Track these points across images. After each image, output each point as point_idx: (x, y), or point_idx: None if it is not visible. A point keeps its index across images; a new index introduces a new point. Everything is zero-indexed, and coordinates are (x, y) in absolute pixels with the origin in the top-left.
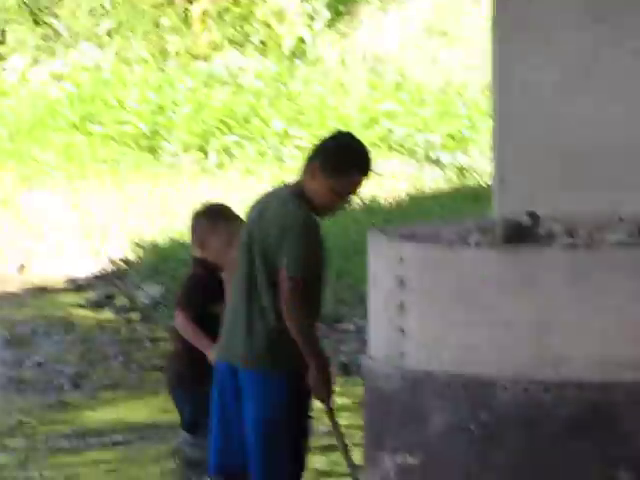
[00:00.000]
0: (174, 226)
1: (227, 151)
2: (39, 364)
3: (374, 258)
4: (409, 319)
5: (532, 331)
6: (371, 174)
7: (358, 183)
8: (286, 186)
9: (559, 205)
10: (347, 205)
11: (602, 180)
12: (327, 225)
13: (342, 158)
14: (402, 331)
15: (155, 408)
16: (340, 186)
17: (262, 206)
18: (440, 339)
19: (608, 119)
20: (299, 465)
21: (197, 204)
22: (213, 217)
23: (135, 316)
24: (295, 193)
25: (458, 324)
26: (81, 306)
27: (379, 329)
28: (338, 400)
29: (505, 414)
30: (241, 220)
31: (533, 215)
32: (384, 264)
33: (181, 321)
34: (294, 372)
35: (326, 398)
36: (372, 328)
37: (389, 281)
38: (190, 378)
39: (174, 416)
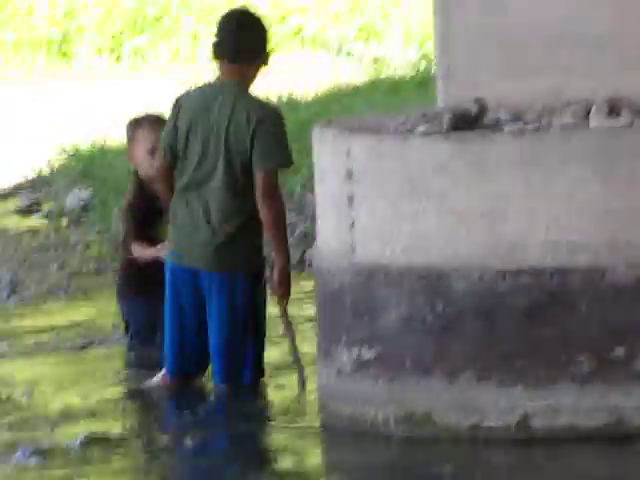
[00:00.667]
0: (95, 131)
1: (140, 52)
2: None
3: (321, 152)
4: (359, 212)
5: (484, 219)
6: None
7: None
8: (223, 82)
9: (504, 93)
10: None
11: (544, 65)
12: None
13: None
14: (352, 224)
15: (96, 312)
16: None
17: (207, 100)
18: (391, 231)
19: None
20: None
21: (113, 108)
22: (133, 127)
23: (64, 221)
24: (244, 88)
25: (409, 215)
26: (8, 213)
27: (327, 224)
28: None
29: (461, 303)
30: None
31: (480, 102)
32: (331, 158)
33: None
34: (256, 272)
35: (286, 295)
36: (320, 223)
37: (337, 175)
38: (136, 286)
39: (115, 320)
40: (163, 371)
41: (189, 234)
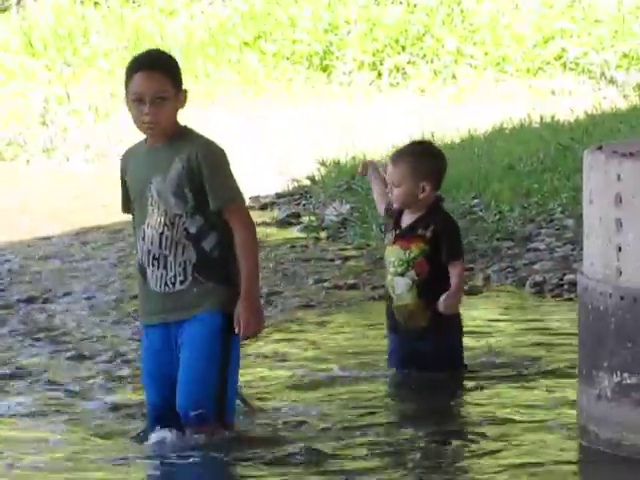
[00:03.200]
0: (354, 145)
1: (400, 70)
2: None
3: (590, 176)
4: (627, 236)
5: None
6: (143, 73)
7: (136, 83)
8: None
9: None
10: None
11: None
12: (512, 144)
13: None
14: (619, 248)
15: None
16: (128, 96)
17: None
18: None
19: None
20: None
21: (372, 123)
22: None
23: (323, 234)
24: None
25: None
26: (267, 224)
27: (594, 246)
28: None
29: None
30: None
31: None
32: (602, 181)
33: (459, 272)
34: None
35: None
36: (587, 245)
37: (606, 198)
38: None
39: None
40: None
41: None
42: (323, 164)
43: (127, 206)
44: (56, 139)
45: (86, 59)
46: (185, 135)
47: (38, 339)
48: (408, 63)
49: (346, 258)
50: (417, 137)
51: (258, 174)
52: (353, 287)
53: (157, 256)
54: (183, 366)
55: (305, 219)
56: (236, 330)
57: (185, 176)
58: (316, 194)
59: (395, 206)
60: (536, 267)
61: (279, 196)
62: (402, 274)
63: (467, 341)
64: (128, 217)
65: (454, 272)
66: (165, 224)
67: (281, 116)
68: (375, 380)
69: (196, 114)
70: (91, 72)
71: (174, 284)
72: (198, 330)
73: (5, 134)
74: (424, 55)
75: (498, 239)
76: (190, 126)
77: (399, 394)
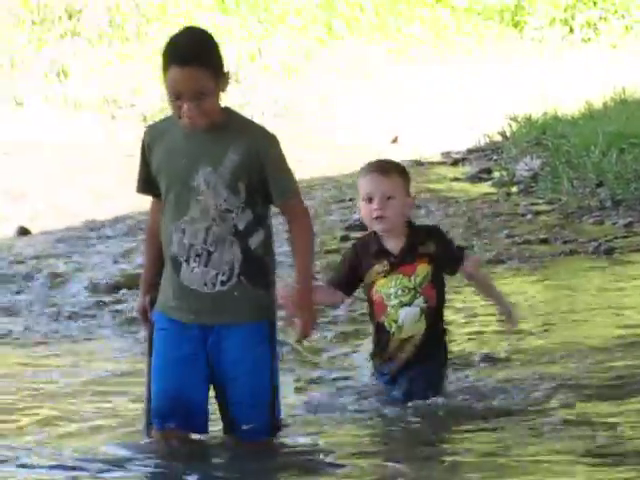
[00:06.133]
0: (546, 100)
1: (592, 25)
2: None
3: None
4: None
5: None
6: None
7: (171, 78)
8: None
9: None
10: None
11: None
12: None
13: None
14: None
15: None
16: (166, 86)
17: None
18: None
19: None
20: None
21: (564, 78)
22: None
23: (514, 189)
24: None
25: None
26: (459, 179)
27: None
28: None
29: None
30: None
31: None
32: None
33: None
34: (272, 320)
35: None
36: None
37: None
38: None
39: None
40: None
41: None
42: (514, 119)
43: (144, 187)
44: (248, 95)
45: (278, 16)
46: (233, 121)
47: None
48: (600, 19)
49: (537, 213)
50: (609, 92)
51: (449, 129)
52: (544, 242)
53: (200, 252)
54: (233, 383)
55: (496, 174)
56: (293, 334)
57: (241, 169)
58: (507, 149)
59: (380, 227)
60: None
61: (470, 151)
62: (409, 304)
63: None
64: None
65: (472, 265)
66: (213, 218)
67: (472, 72)
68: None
69: (387, 70)
70: (282, 29)
71: (215, 284)
72: (245, 344)
73: None
74: (615, 11)
75: None
76: (232, 108)
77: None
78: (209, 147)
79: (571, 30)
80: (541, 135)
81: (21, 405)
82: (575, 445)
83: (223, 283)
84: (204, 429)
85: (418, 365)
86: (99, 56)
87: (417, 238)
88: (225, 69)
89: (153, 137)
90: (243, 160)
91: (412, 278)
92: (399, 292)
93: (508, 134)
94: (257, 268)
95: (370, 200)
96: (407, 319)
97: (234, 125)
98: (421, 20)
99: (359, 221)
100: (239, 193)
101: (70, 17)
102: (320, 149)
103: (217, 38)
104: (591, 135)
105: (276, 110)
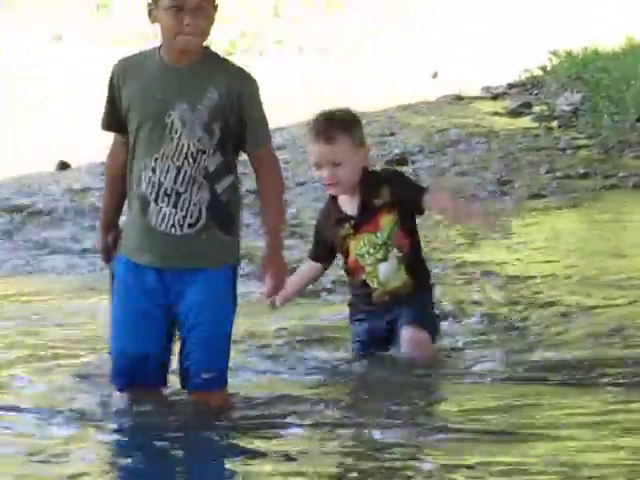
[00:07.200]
0: (586, 35)
1: None
2: (462, 172)
3: None
4: None
5: None
6: None
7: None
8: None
9: None
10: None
11: None
12: None
13: None
14: None
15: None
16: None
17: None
18: None
19: None
20: None
21: (604, 14)
22: None
23: (554, 124)
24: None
25: None
26: (499, 114)
27: None
28: None
29: None
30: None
31: None
32: None
33: (444, 194)
34: (234, 267)
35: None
36: None
37: None
38: None
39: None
40: None
41: None
42: (555, 54)
43: (110, 123)
44: (288, 30)
45: None
46: (212, 59)
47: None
48: None
49: (578, 147)
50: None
51: (490, 64)
52: (585, 176)
53: (169, 192)
54: (195, 329)
55: (537, 109)
56: (261, 290)
57: (219, 109)
58: (548, 84)
59: (334, 192)
60: None
61: (511, 86)
62: (384, 259)
63: None
64: None
65: (440, 198)
66: (186, 158)
67: (511, 6)
68: None
69: (426, 6)
70: None
71: (182, 226)
72: (208, 289)
73: (238, 26)
74: None
75: None
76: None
77: None
78: (187, 83)
79: None
80: (581, 70)
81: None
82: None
83: (191, 226)
84: (164, 382)
85: (405, 303)
86: None
87: (369, 192)
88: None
89: (126, 71)
90: (222, 100)
91: (378, 234)
92: (371, 250)
93: (549, 68)
94: (224, 214)
95: (319, 167)
96: (387, 274)
97: (215, 63)
98: None
99: (398, 155)
100: (213, 134)
101: None
102: (360, 84)
103: None
104: (631, 69)
105: (317, 45)
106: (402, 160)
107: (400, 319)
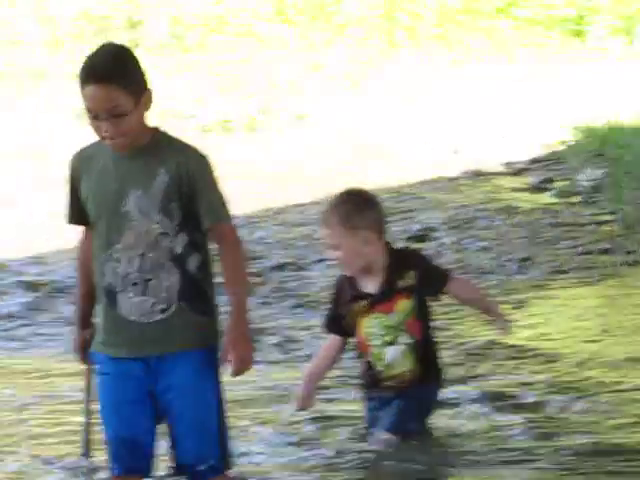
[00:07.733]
0: (608, 111)
1: None
2: (484, 248)
3: None
4: None
5: None
6: (98, 86)
7: (88, 96)
8: None
9: None
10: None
11: None
12: None
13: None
14: None
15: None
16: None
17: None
18: None
19: None
20: None
21: (626, 89)
22: None
23: (575, 199)
24: None
25: None
26: (520, 190)
27: None
28: None
29: None
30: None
31: None
32: None
33: (467, 282)
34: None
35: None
36: None
37: None
38: None
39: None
40: None
41: None
42: (576, 129)
43: (75, 216)
44: (307, 106)
45: (339, 26)
46: (161, 140)
47: (298, 305)
48: None
49: (599, 223)
50: None
51: (510, 140)
52: (606, 252)
53: (137, 280)
54: (180, 418)
55: (558, 184)
56: (229, 367)
57: (173, 190)
58: (569, 159)
59: (347, 272)
60: None
61: (532, 162)
62: (392, 342)
63: None
64: None
65: (466, 286)
66: (148, 244)
67: (533, 81)
68: None
69: (446, 82)
70: (344, 39)
71: (153, 313)
72: (189, 373)
73: (256, 103)
74: None
75: None
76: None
77: None
78: (138, 169)
79: (630, 40)
80: (602, 145)
81: None
82: None
83: (163, 311)
84: (150, 471)
85: (410, 392)
86: (159, 66)
87: (396, 273)
88: (148, 86)
89: (81, 163)
90: (174, 180)
91: (391, 316)
92: (381, 332)
93: (570, 144)
94: (196, 293)
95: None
96: (394, 358)
97: (164, 145)
98: (482, 31)
99: (420, 232)
100: (173, 215)
101: (132, 27)
102: (381, 160)
103: (275, 48)
104: None
105: (337, 125)
106: (423, 236)
107: (385, 419)
